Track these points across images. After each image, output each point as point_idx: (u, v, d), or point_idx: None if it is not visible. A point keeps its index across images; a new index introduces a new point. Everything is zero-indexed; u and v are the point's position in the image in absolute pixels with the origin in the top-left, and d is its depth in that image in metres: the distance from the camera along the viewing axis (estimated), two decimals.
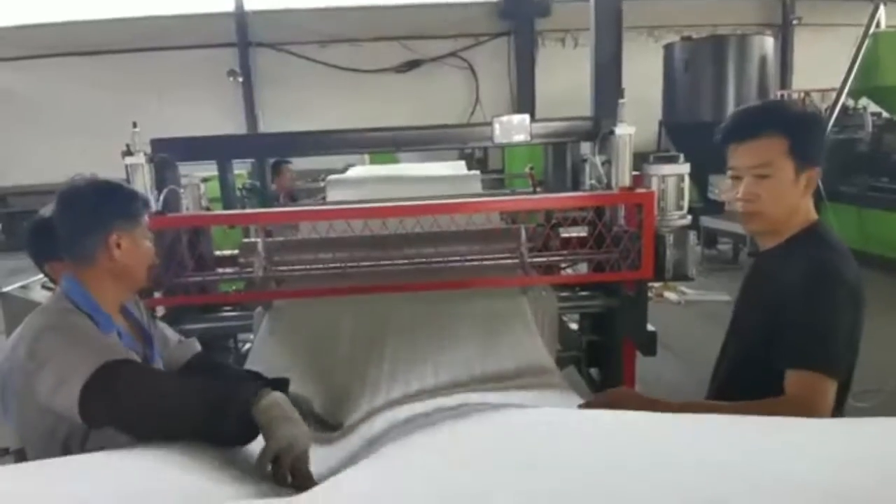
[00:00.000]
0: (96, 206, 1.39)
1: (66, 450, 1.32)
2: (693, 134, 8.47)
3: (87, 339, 1.30)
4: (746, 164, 1.31)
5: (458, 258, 2.30)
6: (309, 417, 1.64)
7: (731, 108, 8.90)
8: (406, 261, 2.28)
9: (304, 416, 1.26)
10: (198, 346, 1.72)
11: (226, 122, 10.70)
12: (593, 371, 2.80)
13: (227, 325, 2.47)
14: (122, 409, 1.23)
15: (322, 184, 3.49)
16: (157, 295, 2.17)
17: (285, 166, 5.38)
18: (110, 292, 1.43)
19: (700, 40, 9.08)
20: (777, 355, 1.26)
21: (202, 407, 1.20)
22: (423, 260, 2.29)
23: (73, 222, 1.39)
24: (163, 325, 1.71)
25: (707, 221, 7.37)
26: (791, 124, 1.29)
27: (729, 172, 1.37)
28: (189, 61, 11.27)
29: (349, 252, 2.30)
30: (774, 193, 1.28)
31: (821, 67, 9.96)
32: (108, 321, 1.40)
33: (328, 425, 1.79)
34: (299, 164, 5.51)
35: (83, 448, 1.31)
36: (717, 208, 8.11)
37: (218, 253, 2.56)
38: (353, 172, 3.37)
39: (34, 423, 1.33)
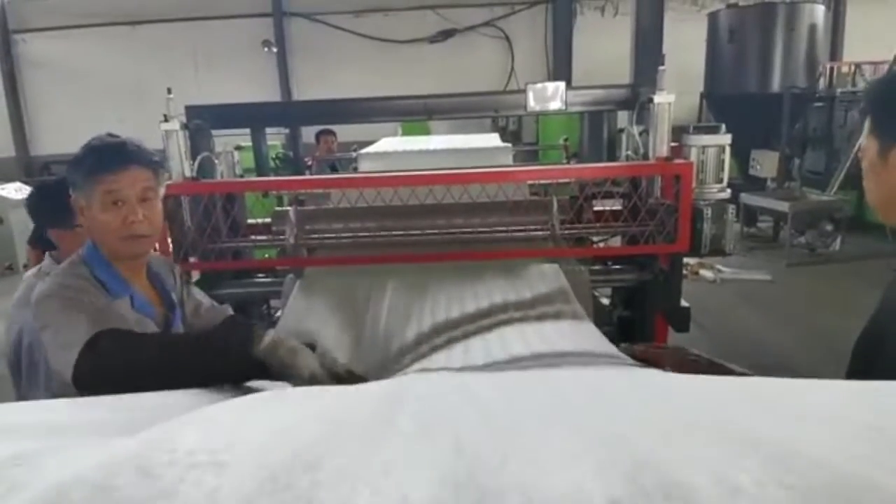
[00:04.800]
0: (72, 166, 1.37)
1: None
2: (736, 106, 8.20)
3: (80, 305, 1.26)
4: None
5: (487, 229, 2.28)
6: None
7: (777, 79, 8.55)
8: (436, 231, 2.27)
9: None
10: (229, 311, 1.74)
11: (260, 93, 10.76)
12: (624, 346, 2.77)
13: (260, 290, 2.51)
14: (112, 376, 1.17)
15: (354, 155, 3.48)
16: (192, 259, 2.22)
17: (324, 136, 5.40)
18: (107, 256, 1.38)
19: (747, 8, 8.72)
20: None
21: (198, 357, 1.18)
22: (454, 231, 2.27)
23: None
24: (197, 291, 1.72)
25: (747, 198, 7.15)
26: (873, 100, 1.11)
27: None
28: (225, 31, 11.32)
29: (379, 222, 2.29)
30: (867, 178, 1.13)
31: (874, 38, 9.46)
32: (120, 285, 1.38)
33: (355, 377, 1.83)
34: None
35: None
36: (758, 185, 7.85)
37: (251, 221, 2.59)
38: (384, 144, 3.34)
39: (47, 384, 1.40)
